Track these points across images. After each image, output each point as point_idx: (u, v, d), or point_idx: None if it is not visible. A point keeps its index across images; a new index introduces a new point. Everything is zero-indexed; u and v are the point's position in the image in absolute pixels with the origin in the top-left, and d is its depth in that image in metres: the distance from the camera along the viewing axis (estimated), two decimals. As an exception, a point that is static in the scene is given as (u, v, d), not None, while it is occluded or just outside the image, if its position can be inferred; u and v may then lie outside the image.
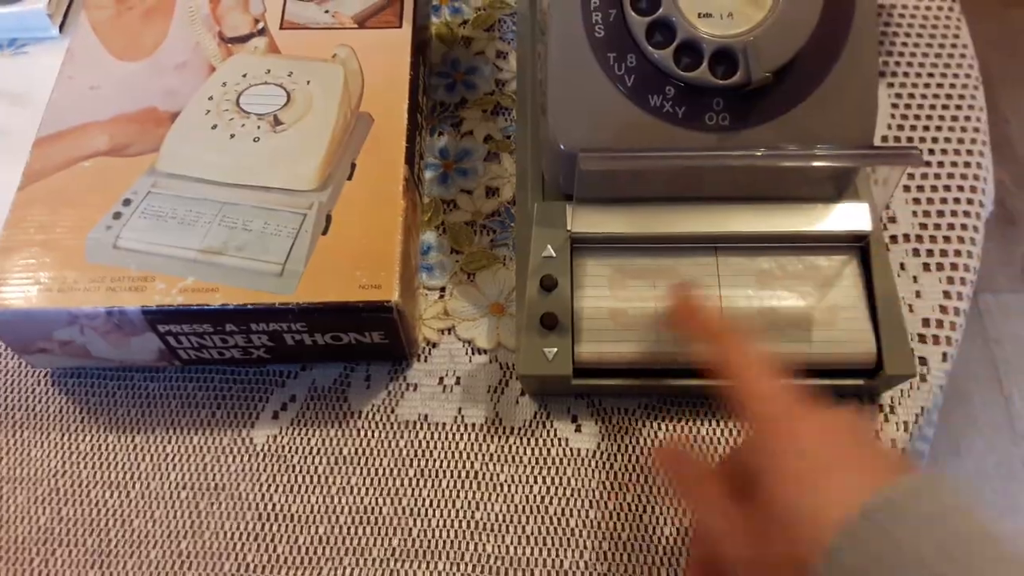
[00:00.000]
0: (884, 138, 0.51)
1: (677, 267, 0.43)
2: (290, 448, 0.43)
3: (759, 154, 0.38)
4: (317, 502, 0.41)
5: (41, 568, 0.40)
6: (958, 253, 0.47)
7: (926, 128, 0.51)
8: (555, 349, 0.41)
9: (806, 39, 0.38)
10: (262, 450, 0.43)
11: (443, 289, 0.47)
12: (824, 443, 0.31)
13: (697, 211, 0.42)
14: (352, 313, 0.40)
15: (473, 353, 0.45)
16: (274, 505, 0.41)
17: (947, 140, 0.51)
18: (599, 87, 0.40)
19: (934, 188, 0.49)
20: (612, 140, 0.40)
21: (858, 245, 0.42)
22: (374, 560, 0.40)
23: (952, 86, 0.53)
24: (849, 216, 0.42)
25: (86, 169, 0.45)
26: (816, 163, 0.38)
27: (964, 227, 0.48)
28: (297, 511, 0.41)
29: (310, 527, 0.41)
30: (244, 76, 0.47)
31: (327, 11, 0.50)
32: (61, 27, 0.57)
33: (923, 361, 0.44)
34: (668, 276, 0.42)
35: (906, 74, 0.53)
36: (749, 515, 0.31)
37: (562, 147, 0.40)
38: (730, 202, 0.42)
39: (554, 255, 0.42)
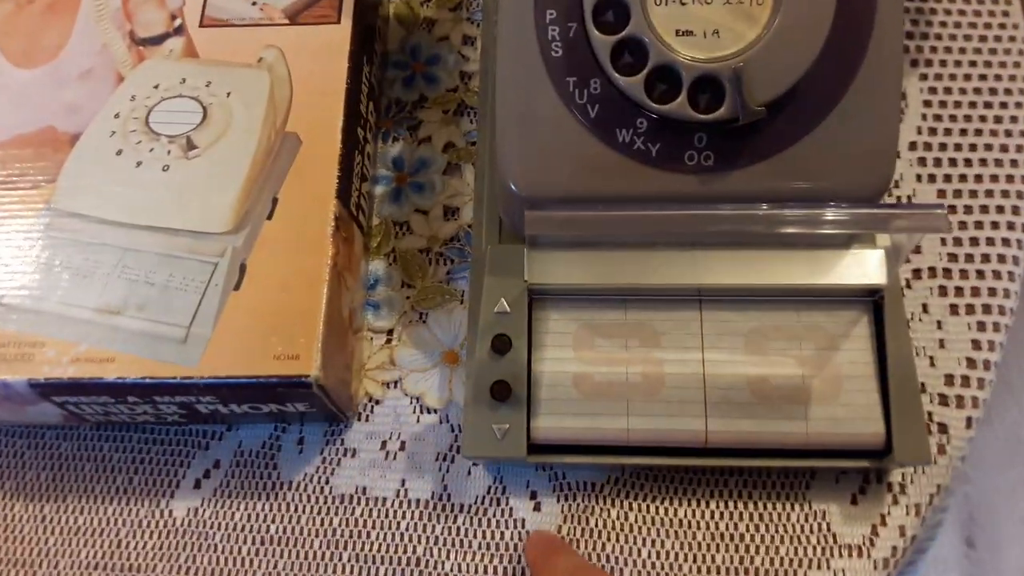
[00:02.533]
0: (913, 144, 0.43)
1: (653, 323, 0.36)
2: (212, 524, 0.38)
3: (751, 214, 0.31)
4: (238, 594, 0.37)
5: (-61, 660, 0.37)
6: (993, 292, 0.40)
7: (963, 132, 0.43)
8: (506, 425, 0.35)
9: (810, 63, 0.31)
10: (182, 525, 0.38)
11: (391, 332, 0.41)
12: None
13: (678, 257, 0.36)
14: (266, 388, 0.35)
15: (421, 412, 0.39)
16: (191, 596, 0.37)
17: (987, 147, 0.43)
18: (557, 119, 0.33)
19: (968, 209, 0.42)
20: (573, 182, 0.33)
21: (870, 299, 0.35)
22: (297, 668, 0.35)
23: (997, 77, 0.44)
24: (860, 265, 0.35)
25: (-24, 203, 0.39)
26: (817, 230, 0.31)
27: (1002, 258, 0.40)
28: (215, 604, 0.37)
29: (229, 624, 0.36)
30: (156, 87, 0.41)
31: (254, 2, 0.43)
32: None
33: (943, 428, 0.38)
34: (643, 334, 0.36)
35: (943, 63, 0.45)
36: None
37: (514, 189, 0.34)
38: (718, 248, 0.35)
39: (508, 311, 0.36)
